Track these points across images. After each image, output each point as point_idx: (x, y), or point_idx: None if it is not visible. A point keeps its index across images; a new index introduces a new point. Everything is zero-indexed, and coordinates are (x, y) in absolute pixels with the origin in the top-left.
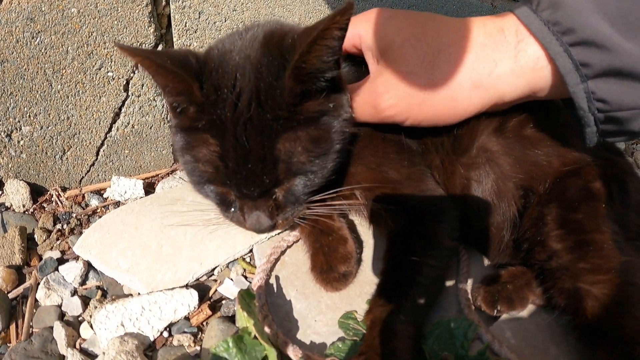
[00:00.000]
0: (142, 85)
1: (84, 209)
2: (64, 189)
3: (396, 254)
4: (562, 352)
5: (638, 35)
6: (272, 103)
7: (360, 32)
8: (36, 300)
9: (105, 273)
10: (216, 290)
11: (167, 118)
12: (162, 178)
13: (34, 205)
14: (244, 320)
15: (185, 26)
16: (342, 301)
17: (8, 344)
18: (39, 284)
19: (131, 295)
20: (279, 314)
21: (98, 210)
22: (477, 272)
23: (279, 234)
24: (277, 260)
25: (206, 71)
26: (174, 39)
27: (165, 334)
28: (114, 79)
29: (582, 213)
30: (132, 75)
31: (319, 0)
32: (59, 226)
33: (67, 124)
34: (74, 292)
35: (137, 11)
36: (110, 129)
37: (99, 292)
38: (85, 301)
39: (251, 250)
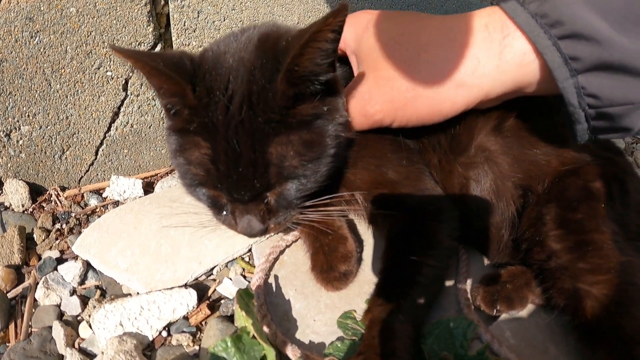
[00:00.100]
0: (141, 85)
1: (83, 208)
2: (63, 189)
3: (395, 254)
4: (562, 352)
5: (629, 28)
6: (264, 106)
7: (345, 36)
8: (35, 300)
9: (104, 273)
10: (215, 289)
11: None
12: (161, 177)
13: (33, 205)
14: (242, 319)
15: (184, 25)
16: (341, 301)
17: (7, 344)
18: (37, 283)
19: (130, 294)
20: (278, 314)
21: (97, 210)
22: (476, 272)
23: (277, 233)
24: (276, 259)
25: (200, 73)
26: (173, 38)
27: (164, 334)
28: (112, 78)
29: (581, 213)
30: (131, 74)
31: None
32: (58, 226)
33: (66, 123)
34: (73, 292)
35: (135, 10)
36: (109, 129)
37: (98, 292)
38: (84, 301)
39: (250, 250)
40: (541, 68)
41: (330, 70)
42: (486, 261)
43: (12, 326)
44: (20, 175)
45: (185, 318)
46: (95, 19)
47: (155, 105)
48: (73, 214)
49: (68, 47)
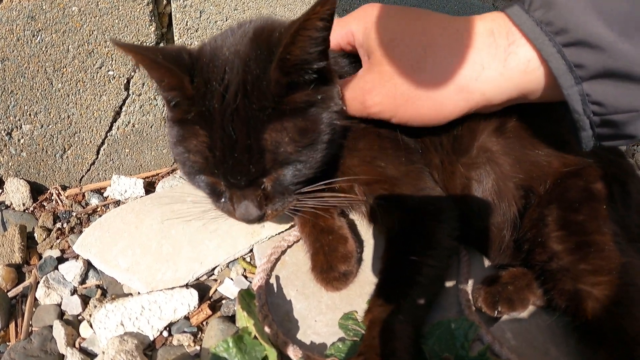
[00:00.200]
0: (143, 84)
1: (84, 207)
2: (64, 188)
3: (395, 254)
4: (563, 353)
5: (634, 35)
6: (258, 94)
7: (353, 29)
8: (36, 299)
9: (105, 272)
10: (216, 290)
11: (166, 117)
12: (163, 177)
13: (34, 204)
14: (244, 320)
15: (187, 25)
16: (342, 301)
17: (7, 343)
18: (38, 282)
19: (131, 294)
20: (279, 314)
21: (98, 209)
22: (477, 273)
23: (279, 233)
24: (277, 260)
25: (198, 66)
26: (175, 38)
27: (165, 334)
28: (114, 77)
29: (583, 214)
30: (132, 74)
31: None
32: (58, 225)
33: (68, 122)
34: (74, 291)
35: (138, 10)
36: (110, 128)
37: (99, 291)
38: (85, 300)
39: (251, 250)
40: (546, 75)
41: (323, 59)
42: (487, 262)
43: (12, 325)
44: (21, 174)
45: (187, 318)
46: (97, 18)
47: (156, 105)
48: (74, 213)
49: (70, 46)
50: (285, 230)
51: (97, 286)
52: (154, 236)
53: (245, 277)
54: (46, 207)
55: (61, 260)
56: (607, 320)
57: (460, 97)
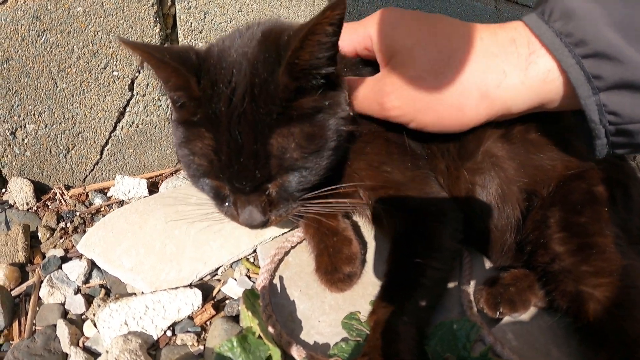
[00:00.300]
0: (147, 85)
1: (87, 207)
2: (68, 188)
3: (400, 256)
4: (564, 354)
5: None
6: (265, 98)
7: (371, 33)
8: (39, 298)
9: (109, 272)
10: (220, 290)
11: (171, 117)
12: (166, 177)
13: (38, 204)
14: (248, 319)
15: (191, 26)
16: (346, 302)
17: (11, 342)
18: (42, 282)
19: (135, 294)
20: (283, 314)
21: (102, 209)
22: (479, 274)
23: (283, 234)
24: (281, 260)
25: (205, 67)
26: (180, 39)
27: (169, 333)
28: (119, 78)
29: (585, 216)
30: (137, 74)
31: (324, 1)
32: (62, 224)
33: (72, 122)
34: (77, 291)
35: (142, 11)
36: (114, 128)
37: (103, 291)
38: (89, 300)
39: (255, 251)
40: (564, 85)
41: (331, 64)
42: (489, 264)
43: (16, 324)
44: (25, 174)
45: (190, 318)
46: (102, 18)
47: (160, 105)
48: (77, 213)
49: (74, 47)
50: (289, 231)
51: (101, 286)
52: (157, 236)
53: (249, 278)
54: (50, 207)
55: (65, 259)
56: (609, 321)
57: (482, 104)
